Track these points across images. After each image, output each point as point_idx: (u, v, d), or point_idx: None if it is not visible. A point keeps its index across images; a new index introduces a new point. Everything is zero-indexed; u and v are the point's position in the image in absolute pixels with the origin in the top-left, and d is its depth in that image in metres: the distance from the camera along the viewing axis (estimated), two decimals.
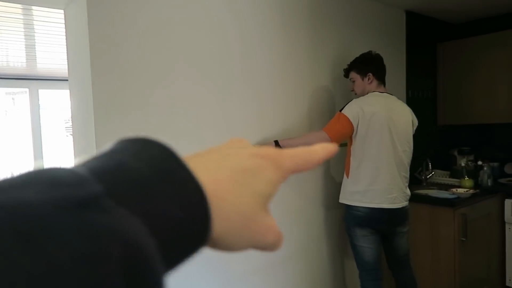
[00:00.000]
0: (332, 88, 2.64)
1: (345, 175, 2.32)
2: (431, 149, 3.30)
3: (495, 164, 3.17)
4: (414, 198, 2.74)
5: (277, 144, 2.15)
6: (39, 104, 4.65)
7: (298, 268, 2.48)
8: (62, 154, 4.98)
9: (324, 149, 0.34)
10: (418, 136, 3.31)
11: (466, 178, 2.86)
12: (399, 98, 3.18)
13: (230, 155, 0.29)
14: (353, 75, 2.34)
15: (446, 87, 3.41)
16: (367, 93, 2.28)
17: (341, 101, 2.68)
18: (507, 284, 2.87)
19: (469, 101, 3.25)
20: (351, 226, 2.31)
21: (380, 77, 2.32)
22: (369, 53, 2.33)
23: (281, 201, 2.36)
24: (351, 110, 2.20)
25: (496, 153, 3.30)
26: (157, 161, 0.24)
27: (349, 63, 2.38)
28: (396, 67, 3.15)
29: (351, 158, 2.27)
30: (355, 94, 2.36)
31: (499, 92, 3.12)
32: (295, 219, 2.44)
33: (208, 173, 0.26)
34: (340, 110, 2.24)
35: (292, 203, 2.42)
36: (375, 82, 2.30)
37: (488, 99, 3.16)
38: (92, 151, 1.67)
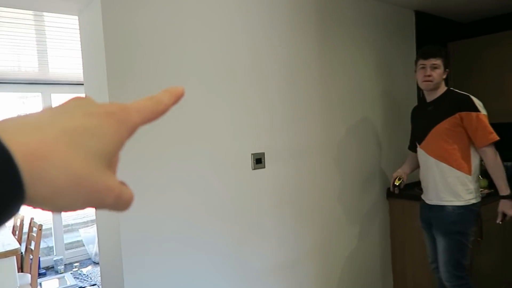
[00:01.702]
0: (342, 91, 2.64)
1: (463, 174, 2.18)
2: None
3: (509, 163, 3.14)
4: None
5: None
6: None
7: (314, 268, 2.48)
8: None
9: (171, 95, 0.33)
10: None
11: (481, 178, 2.83)
12: (410, 98, 3.19)
13: (64, 114, 0.27)
14: (439, 62, 2.19)
15: (456, 86, 3.39)
16: (439, 87, 2.23)
17: (352, 103, 2.68)
18: None
19: (480, 100, 3.21)
20: (470, 226, 2.18)
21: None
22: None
23: (295, 200, 2.36)
24: (482, 107, 2.16)
25: (509, 152, 3.27)
26: None
27: (436, 48, 2.25)
28: (406, 67, 3.13)
29: (472, 156, 2.19)
30: (429, 82, 2.21)
31: (510, 91, 3.10)
32: (309, 218, 2.44)
33: (30, 133, 0.25)
34: (469, 110, 2.12)
35: (306, 202, 2.43)
36: (443, 80, 2.26)
37: (500, 98, 3.13)
38: None
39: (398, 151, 3.07)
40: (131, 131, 0.30)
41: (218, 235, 2.03)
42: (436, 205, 2.25)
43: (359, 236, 2.77)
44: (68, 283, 3.96)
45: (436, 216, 2.26)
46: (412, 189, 2.96)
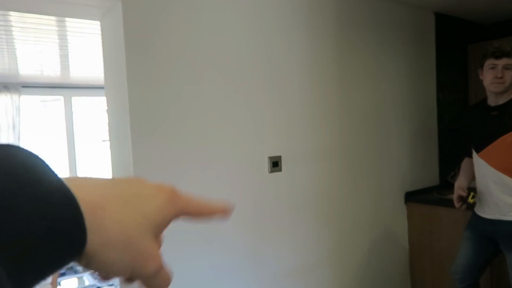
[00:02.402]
0: (361, 93, 2.62)
1: None
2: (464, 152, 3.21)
3: None
4: (449, 203, 2.68)
5: None
6: (72, 111, 4.80)
7: (331, 273, 2.46)
8: (96, 160, 5.11)
9: (220, 208, 0.35)
10: (450, 139, 3.25)
11: None
12: (429, 102, 3.15)
13: (123, 182, 0.30)
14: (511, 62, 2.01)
15: (478, 89, 3.33)
16: (508, 90, 2.02)
17: (371, 106, 2.66)
18: None
19: None
20: None
21: None
22: None
23: (312, 204, 2.36)
24: None
25: None
26: (20, 171, 0.23)
27: (510, 46, 2.04)
28: (426, 70, 3.10)
29: None
30: (500, 84, 2.01)
31: None
32: (327, 222, 2.43)
33: (93, 187, 0.27)
34: None
35: (323, 206, 2.41)
36: None
37: None
38: (129, 157, 1.72)
39: (417, 155, 3.03)
40: (177, 213, 0.31)
41: (235, 237, 2.03)
42: (502, 221, 2.06)
43: (376, 241, 2.74)
44: (87, 283, 4.02)
45: (504, 232, 2.07)
46: (430, 194, 2.92)
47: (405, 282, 2.95)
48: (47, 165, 0.24)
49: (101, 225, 0.25)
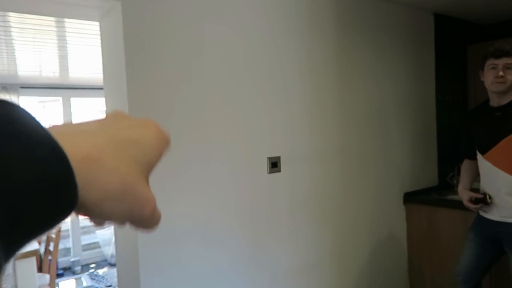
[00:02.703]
0: (360, 94, 2.62)
1: None
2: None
3: None
4: (448, 204, 2.69)
5: None
6: (71, 112, 4.80)
7: (330, 273, 2.46)
8: None
9: None
10: (449, 141, 3.26)
11: None
12: (428, 103, 3.15)
13: (110, 125, 0.29)
14: None
15: (477, 90, 3.33)
16: (510, 90, 2.01)
17: (370, 107, 2.66)
18: None
19: None
20: None
21: None
22: None
23: (311, 205, 2.35)
24: None
25: None
26: (4, 121, 0.21)
27: (510, 45, 2.02)
28: (425, 70, 3.10)
29: None
30: (502, 83, 1.99)
31: None
32: (326, 223, 2.43)
33: (84, 138, 0.25)
34: None
35: (323, 206, 2.41)
36: None
37: None
38: None
39: (417, 155, 3.03)
40: (164, 149, 0.31)
41: (234, 238, 2.03)
42: (508, 222, 2.04)
43: (375, 240, 2.74)
44: (85, 284, 4.02)
45: (509, 232, 2.05)
46: (429, 194, 2.92)
47: (403, 282, 2.95)
48: (33, 118, 0.23)
49: (96, 178, 0.24)
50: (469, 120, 2.27)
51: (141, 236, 1.73)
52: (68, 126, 0.27)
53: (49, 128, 0.24)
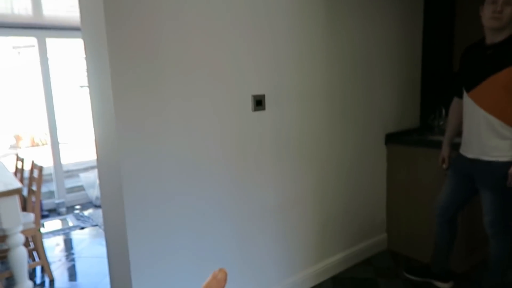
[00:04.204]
0: (349, 35, 2.57)
1: None
2: (445, 96, 3.25)
3: None
4: (428, 144, 2.75)
5: None
6: (47, 55, 4.59)
7: (312, 209, 2.54)
8: (75, 106, 4.98)
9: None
10: (432, 83, 3.28)
11: None
12: (416, 45, 3.12)
13: None
14: None
15: (463, 32, 3.30)
16: (506, 28, 1.97)
17: (359, 49, 2.62)
18: None
19: None
20: None
21: None
22: None
23: (295, 143, 2.38)
24: None
25: None
26: None
27: None
28: (413, 15, 3.04)
29: None
30: (498, 19, 1.95)
31: None
32: (309, 161, 2.47)
33: None
34: None
35: (306, 145, 2.44)
36: None
37: None
38: (110, 105, 1.67)
39: (400, 98, 3.05)
40: None
41: (218, 174, 2.05)
42: (481, 160, 2.10)
43: (356, 179, 2.82)
44: (71, 224, 4.07)
45: (481, 170, 2.12)
46: (410, 135, 2.98)
47: (381, 219, 3.08)
48: None
49: None
50: (464, 56, 2.25)
51: (125, 175, 1.73)
52: None
53: None
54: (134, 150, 1.74)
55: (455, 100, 2.36)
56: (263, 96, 2.18)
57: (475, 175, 2.18)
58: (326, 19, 2.43)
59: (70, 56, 4.90)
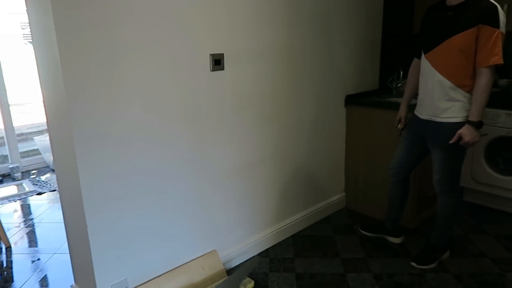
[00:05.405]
0: (307, 17, 2.51)
1: (463, 92, 2.05)
2: (404, 58, 3.30)
3: (504, 80, 3.19)
4: (385, 106, 2.81)
5: (479, 124, 2.02)
6: None
7: (272, 170, 2.57)
8: (22, 63, 4.69)
9: None
10: (392, 45, 3.31)
11: None
12: (376, 5, 3.10)
13: None
14: None
15: None
16: None
17: (318, 9, 2.58)
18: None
19: None
20: None
21: None
22: None
23: (254, 104, 2.36)
24: (504, 24, 1.93)
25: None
26: None
27: None
28: None
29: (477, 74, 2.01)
30: None
31: None
32: (269, 123, 2.46)
33: None
34: (491, 24, 1.89)
35: (266, 106, 2.43)
36: None
37: None
38: (56, 60, 1.56)
39: (360, 60, 3.06)
40: None
41: (177, 136, 2.01)
42: (433, 121, 2.16)
43: (317, 140, 2.86)
44: (27, 189, 3.93)
45: (433, 131, 2.18)
46: (369, 97, 3.02)
47: (340, 179, 3.17)
48: None
49: None
50: (425, 17, 2.25)
51: (77, 138, 1.65)
52: None
53: None
54: (85, 112, 1.66)
55: (414, 61, 2.39)
56: (222, 55, 2.12)
57: (427, 135, 2.25)
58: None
59: (14, 8, 4.54)
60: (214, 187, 2.26)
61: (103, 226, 1.80)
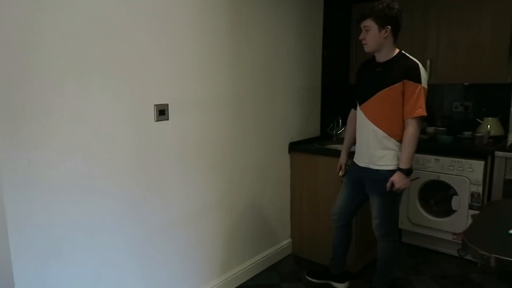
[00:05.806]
0: (252, 45, 2.61)
1: (395, 142, 2.20)
2: (342, 106, 3.50)
3: (431, 128, 3.43)
4: (326, 152, 2.92)
5: (408, 171, 2.17)
6: None
7: (219, 218, 2.54)
8: None
9: None
10: (331, 94, 3.49)
11: None
12: (315, 59, 3.29)
13: None
14: (369, 23, 2.12)
15: (358, 47, 3.57)
16: (380, 49, 2.17)
17: (262, 58, 2.68)
18: (399, 226, 3.24)
19: None
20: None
21: (396, 35, 2.16)
22: (393, 3, 2.11)
23: (199, 153, 2.35)
24: (425, 80, 2.14)
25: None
26: None
27: (368, 7, 2.13)
28: (313, 28, 3.21)
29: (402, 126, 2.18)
30: (365, 45, 2.18)
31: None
32: (214, 171, 2.45)
33: None
34: (413, 80, 2.08)
35: (211, 154, 2.43)
36: (391, 39, 2.15)
37: None
38: None
39: (302, 108, 3.19)
40: None
41: (119, 187, 1.94)
42: (370, 168, 2.28)
43: (262, 187, 2.88)
44: None
45: (370, 178, 2.30)
46: (311, 144, 3.13)
47: (286, 225, 3.19)
48: None
49: None
50: (358, 71, 2.45)
51: (8, 195, 1.54)
52: None
53: None
54: (17, 155, 1.55)
55: (352, 111, 2.54)
56: (167, 105, 2.12)
57: (365, 182, 2.36)
58: (230, 27, 2.44)
59: None
60: (156, 239, 2.17)
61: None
